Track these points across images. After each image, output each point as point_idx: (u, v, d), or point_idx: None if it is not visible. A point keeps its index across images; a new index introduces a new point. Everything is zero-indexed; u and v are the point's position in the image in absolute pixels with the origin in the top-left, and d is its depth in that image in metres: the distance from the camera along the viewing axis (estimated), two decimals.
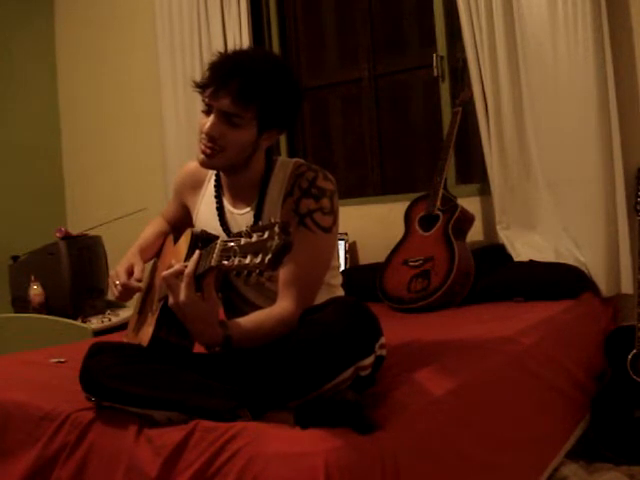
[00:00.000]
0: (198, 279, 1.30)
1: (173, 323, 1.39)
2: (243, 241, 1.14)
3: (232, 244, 1.17)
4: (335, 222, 1.53)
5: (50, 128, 4.27)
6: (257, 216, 1.55)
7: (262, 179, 1.57)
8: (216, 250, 1.22)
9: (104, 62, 4.10)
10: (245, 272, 1.11)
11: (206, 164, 1.52)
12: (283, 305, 1.47)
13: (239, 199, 1.60)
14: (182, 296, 1.29)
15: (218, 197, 1.62)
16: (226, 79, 1.42)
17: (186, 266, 1.30)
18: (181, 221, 1.77)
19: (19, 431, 1.46)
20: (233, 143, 1.46)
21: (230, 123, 1.45)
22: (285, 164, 1.59)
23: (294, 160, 1.60)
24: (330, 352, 1.24)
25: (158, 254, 1.75)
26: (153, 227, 1.80)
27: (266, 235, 1.11)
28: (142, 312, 1.65)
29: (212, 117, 1.45)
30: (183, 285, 1.29)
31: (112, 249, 3.35)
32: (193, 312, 1.31)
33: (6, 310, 3.30)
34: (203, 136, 1.48)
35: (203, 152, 1.49)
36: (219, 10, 3.47)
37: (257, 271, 1.10)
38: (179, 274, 1.31)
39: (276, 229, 1.10)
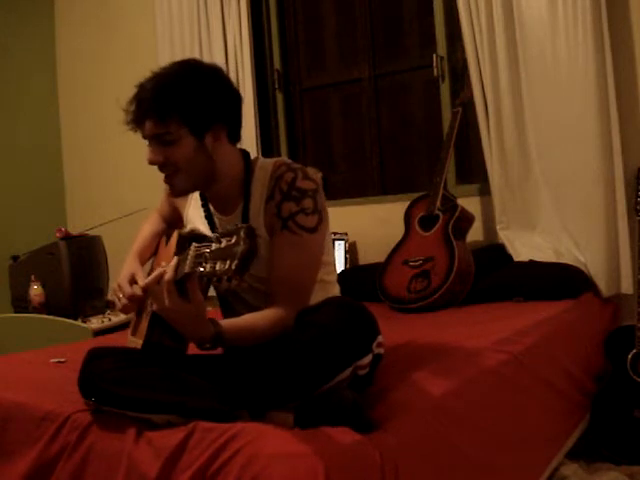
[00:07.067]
0: (181, 283, 1.30)
1: (165, 327, 1.39)
2: (214, 246, 1.14)
3: (204, 250, 1.17)
4: (321, 220, 1.49)
5: (50, 128, 4.27)
6: (244, 221, 1.54)
7: (243, 184, 1.55)
8: (189, 256, 1.22)
9: (104, 62, 4.10)
10: (215, 278, 1.11)
11: (175, 192, 1.54)
12: (277, 307, 1.46)
13: (224, 207, 1.60)
14: (165, 302, 1.30)
15: (205, 205, 1.63)
16: (138, 106, 1.46)
17: (166, 272, 1.31)
18: (175, 219, 1.78)
19: (19, 431, 1.46)
20: (179, 159, 1.46)
21: (164, 143, 1.45)
22: (265, 166, 1.56)
23: (274, 160, 1.57)
24: (328, 353, 1.25)
25: (155, 253, 1.74)
26: (150, 226, 1.80)
27: (233, 240, 1.11)
28: (139, 314, 1.64)
29: (148, 146, 1.48)
30: (164, 291, 1.30)
31: (112, 249, 3.34)
32: (179, 315, 1.32)
33: (6, 310, 3.29)
34: (156, 168, 1.50)
35: (165, 182, 1.52)
36: (219, 10, 3.47)
37: (226, 277, 1.10)
38: (159, 280, 1.31)
39: (242, 234, 1.10)
